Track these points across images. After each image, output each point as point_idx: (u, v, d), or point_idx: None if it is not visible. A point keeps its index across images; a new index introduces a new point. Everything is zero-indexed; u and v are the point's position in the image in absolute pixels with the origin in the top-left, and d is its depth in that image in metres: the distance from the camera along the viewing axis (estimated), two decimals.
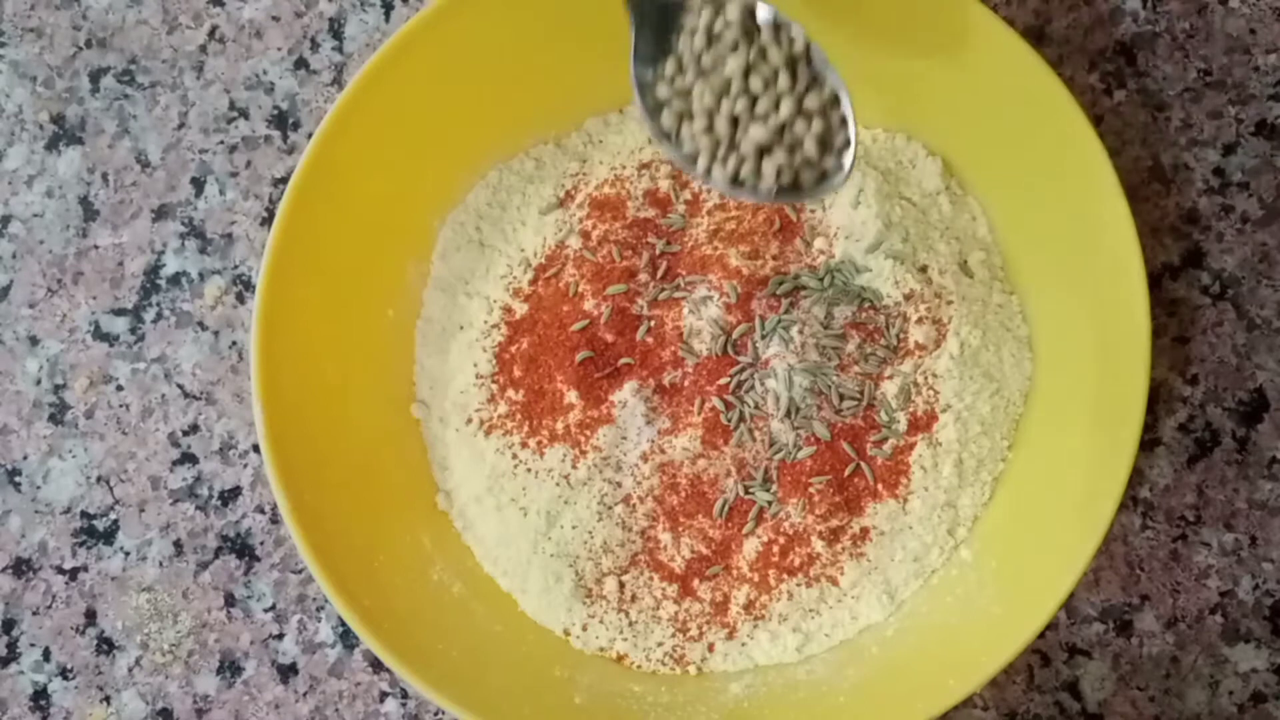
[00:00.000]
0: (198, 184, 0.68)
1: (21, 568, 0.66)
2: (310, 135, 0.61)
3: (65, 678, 0.65)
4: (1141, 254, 0.56)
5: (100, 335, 0.67)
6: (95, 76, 0.69)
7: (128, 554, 0.66)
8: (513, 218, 0.65)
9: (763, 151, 0.52)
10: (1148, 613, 0.63)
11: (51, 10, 0.70)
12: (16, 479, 0.67)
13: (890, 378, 0.60)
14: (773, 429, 0.60)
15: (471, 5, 0.60)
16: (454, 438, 0.63)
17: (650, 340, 0.61)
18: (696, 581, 0.61)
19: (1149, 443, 0.64)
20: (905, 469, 0.60)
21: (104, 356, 0.67)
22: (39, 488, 0.67)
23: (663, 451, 0.61)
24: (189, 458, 0.66)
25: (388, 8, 0.69)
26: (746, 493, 0.60)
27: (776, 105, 0.52)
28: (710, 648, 0.61)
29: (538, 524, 0.61)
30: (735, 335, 0.61)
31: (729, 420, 0.60)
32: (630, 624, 0.61)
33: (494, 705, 0.57)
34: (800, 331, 0.60)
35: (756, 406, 0.60)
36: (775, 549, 0.60)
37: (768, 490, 0.60)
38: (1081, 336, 0.59)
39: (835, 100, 0.53)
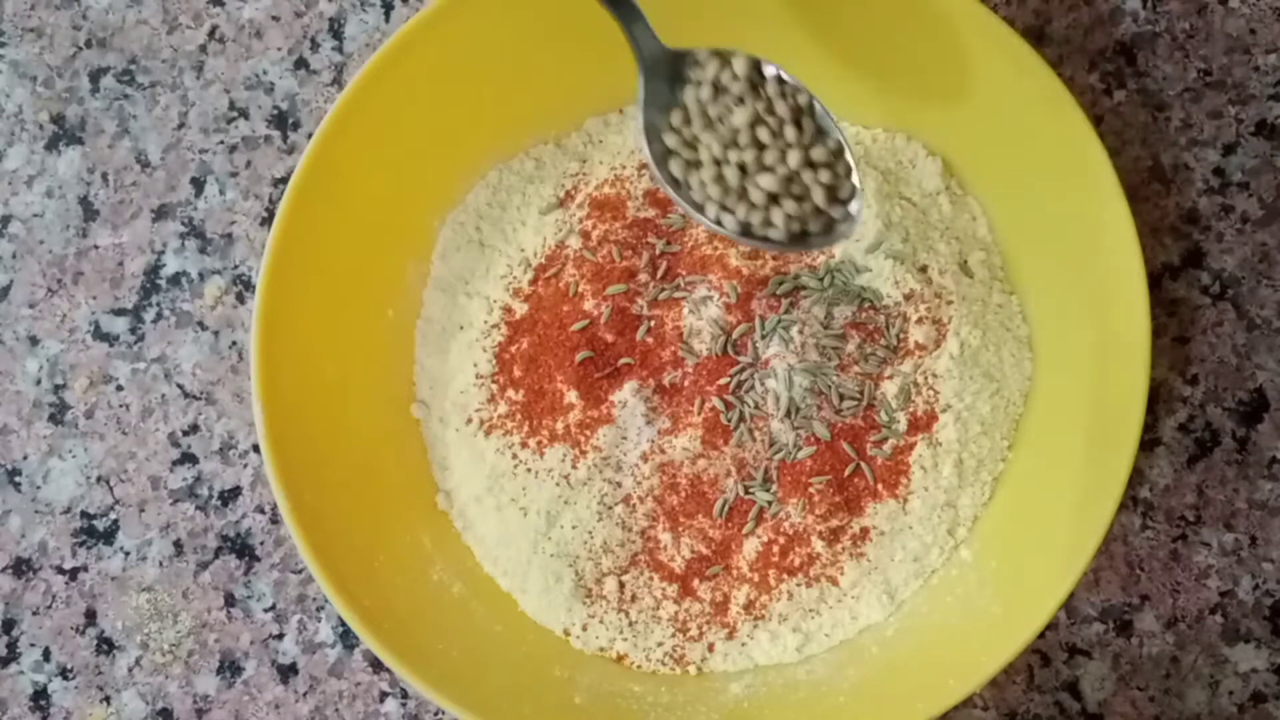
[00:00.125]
0: (198, 184, 0.68)
1: (21, 568, 0.66)
2: (310, 135, 0.61)
3: (65, 678, 0.65)
4: (1141, 254, 0.56)
5: (100, 335, 0.67)
6: (95, 76, 0.69)
7: (128, 554, 0.66)
8: (513, 218, 0.65)
9: (771, 201, 0.53)
10: (1148, 613, 0.63)
11: (51, 10, 0.70)
12: (16, 479, 0.67)
13: (890, 378, 0.60)
14: (773, 429, 0.60)
15: (471, 5, 0.60)
16: (454, 438, 0.63)
17: (650, 340, 0.61)
18: (696, 581, 0.61)
19: (1149, 443, 0.64)
20: (905, 469, 0.60)
21: (104, 356, 0.67)
22: (39, 488, 0.67)
23: (663, 451, 0.61)
24: (189, 458, 0.66)
25: (388, 8, 0.69)
26: (746, 493, 0.60)
27: (783, 156, 0.53)
28: (710, 648, 0.61)
29: (538, 524, 0.61)
30: (735, 335, 0.61)
31: (729, 420, 0.60)
32: (630, 624, 0.61)
33: (494, 705, 0.57)
34: (800, 331, 0.60)
35: (756, 406, 0.60)
36: (775, 549, 0.60)
37: (768, 490, 0.60)
38: (1081, 336, 0.59)
39: (838, 153, 0.54)
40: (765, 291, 0.61)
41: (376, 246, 0.62)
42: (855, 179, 0.54)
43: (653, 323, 0.62)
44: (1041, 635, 0.59)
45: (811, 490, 0.60)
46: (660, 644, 0.61)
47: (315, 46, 0.69)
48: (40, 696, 0.65)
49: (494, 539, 0.62)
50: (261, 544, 0.66)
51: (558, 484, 0.61)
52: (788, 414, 0.60)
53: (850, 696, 0.58)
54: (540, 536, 0.61)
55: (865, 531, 0.60)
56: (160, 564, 0.66)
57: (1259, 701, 0.62)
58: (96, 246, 0.68)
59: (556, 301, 0.62)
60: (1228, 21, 0.66)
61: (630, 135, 0.65)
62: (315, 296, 0.60)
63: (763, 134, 0.53)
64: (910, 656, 0.59)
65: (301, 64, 0.69)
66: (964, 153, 0.63)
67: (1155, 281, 0.65)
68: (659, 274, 0.62)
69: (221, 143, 0.68)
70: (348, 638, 0.65)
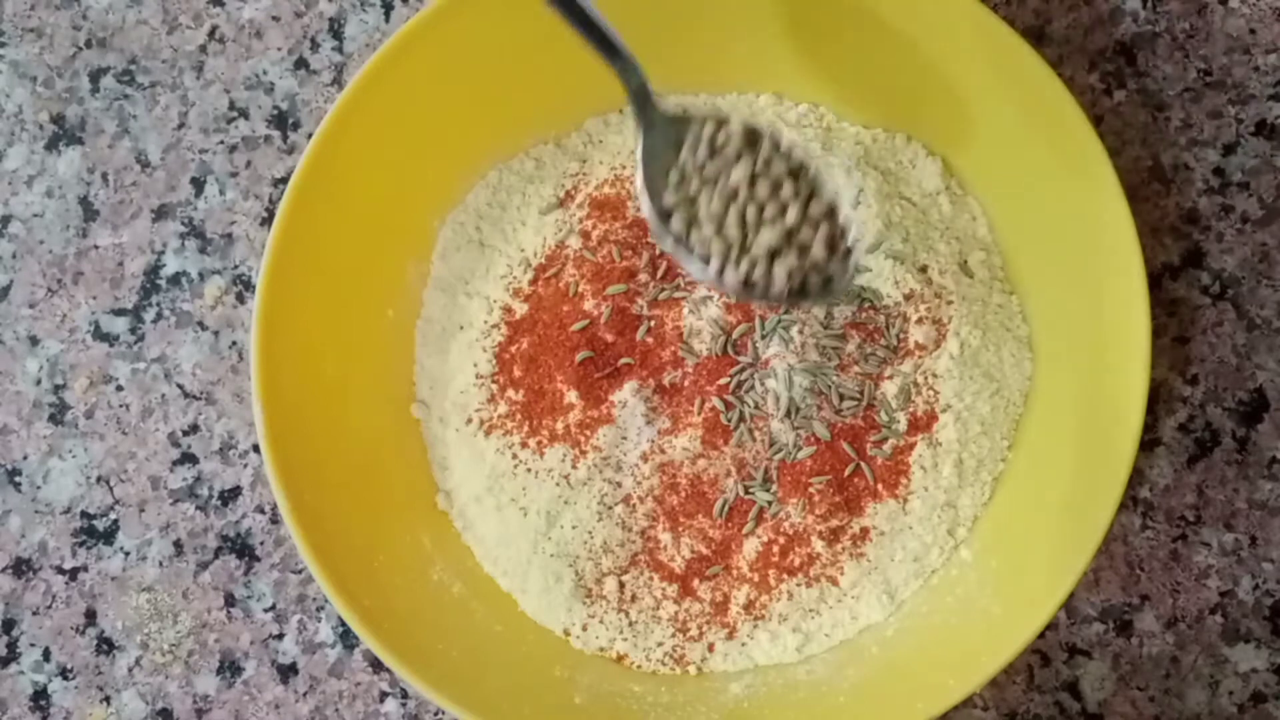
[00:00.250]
0: (198, 184, 0.68)
1: (21, 568, 0.66)
2: (310, 135, 0.61)
3: (65, 678, 0.65)
4: (1141, 254, 0.56)
5: (100, 335, 0.67)
6: (95, 76, 0.69)
7: (128, 554, 0.66)
8: (513, 218, 0.65)
9: (773, 255, 0.54)
10: (1148, 613, 0.63)
11: (51, 10, 0.70)
12: (16, 479, 0.67)
13: (890, 378, 0.60)
14: (773, 429, 0.60)
15: (471, 5, 0.59)
16: (454, 438, 0.63)
17: (650, 340, 0.61)
18: (696, 581, 0.61)
19: (1149, 443, 0.64)
20: (905, 469, 0.60)
21: (104, 356, 0.67)
22: (39, 488, 0.67)
23: (663, 451, 0.61)
24: (189, 458, 0.66)
25: (388, 8, 0.69)
26: (746, 493, 0.60)
27: (783, 212, 0.54)
28: (710, 648, 0.61)
29: (538, 524, 0.61)
30: (735, 335, 0.61)
31: (729, 420, 0.60)
32: (630, 624, 0.61)
33: (494, 705, 0.57)
34: (800, 331, 0.60)
35: (756, 406, 0.60)
36: (775, 549, 0.60)
37: (768, 490, 0.60)
38: (1081, 336, 0.59)
39: (833, 210, 0.55)
40: None
41: (376, 246, 0.62)
42: (852, 235, 0.55)
43: (653, 323, 0.62)
44: (1041, 635, 0.59)
45: (811, 490, 0.60)
46: (660, 644, 0.61)
47: (315, 46, 0.69)
48: (40, 696, 0.65)
49: (494, 539, 0.62)
50: (261, 544, 0.66)
51: (558, 484, 0.61)
52: (788, 414, 0.60)
53: (850, 696, 0.58)
54: (540, 536, 0.61)
55: (865, 531, 0.60)
56: (160, 564, 0.66)
57: (1259, 701, 0.62)
58: (96, 246, 0.68)
59: (556, 301, 0.62)
60: (1228, 21, 0.66)
61: (630, 136, 0.65)
62: (315, 296, 0.60)
63: (761, 190, 0.54)
64: (910, 656, 0.59)
65: (301, 64, 0.69)
66: (964, 153, 0.63)
67: (1155, 281, 0.65)
68: (659, 274, 0.62)
69: (221, 143, 0.68)
70: (348, 638, 0.65)
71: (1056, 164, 0.59)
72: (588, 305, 0.62)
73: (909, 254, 0.61)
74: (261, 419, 0.57)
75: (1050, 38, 0.66)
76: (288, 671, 0.65)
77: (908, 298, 0.61)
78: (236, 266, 0.68)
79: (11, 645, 0.66)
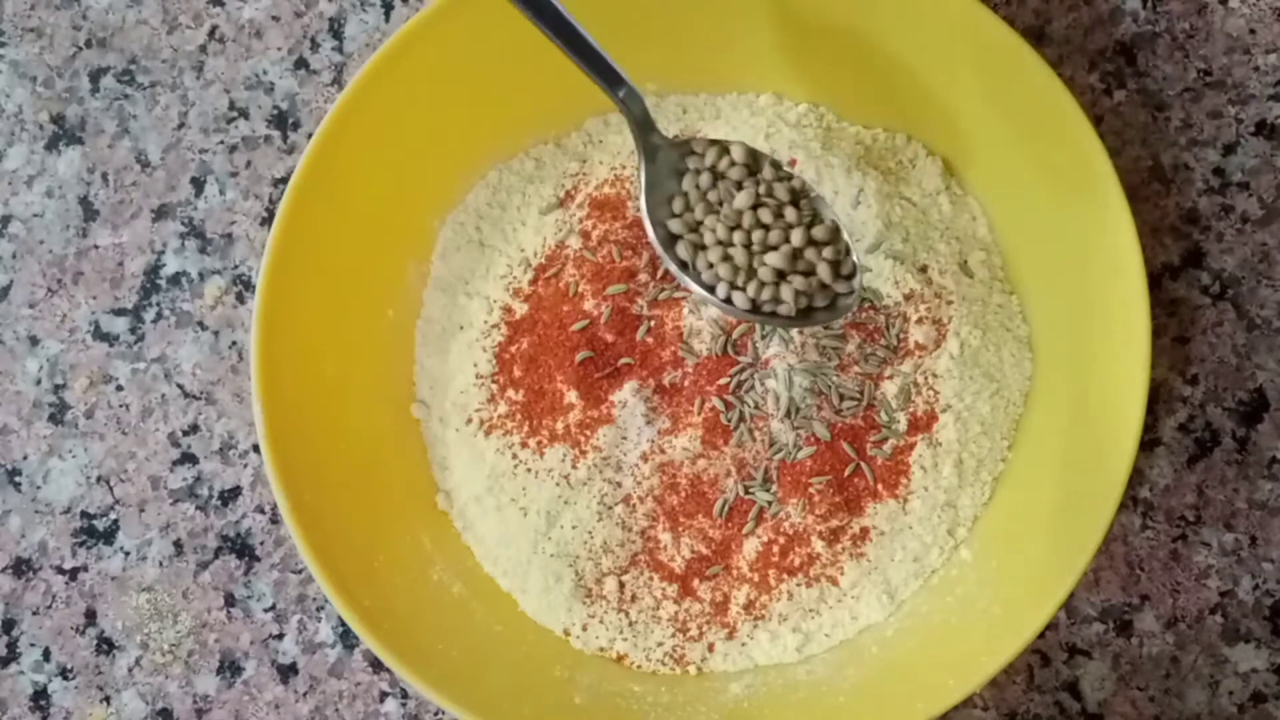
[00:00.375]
0: (198, 184, 0.68)
1: (21, 568, 0.66)
2: (310, 135, 0.61)
3: (65, 678, 0.65)
4: (1141, 254, 0.56)
5: (100, 335, 0.67)
6: (95, 76, 0.69)
7: (128, 554, 0.66)
8: (513, 218, 0.65)
9: (779, 278, 0.55)
10: (1148, 613, 0.63)
11: (51, 10, 0.70)
12: (16, 479, 0.67)
13: (890, 378, 0.60)
14: (773, 429, 0.60)
15: (471, 5, 0.59)
16: (454, 438, 0.63)
17: (650, 340, 0.61)
18: (696, 581, 0.61)
19: (1149, 443, 0.64)
20: (905, 469, 0.60)
21: (104, 356, 0.67)
22: (39, 488, 0.67)
23: (663, 451, 0.61)
24: (189, 458, 0.66)
25: (388, 8, 0.69)
26: (746, 493, 0.60)
27: (787, 235, 0.56)
28: (710, 648, 0.61)
29: (538, 524, 0.61)
30: (735, 335, 0.61)
31: (729, 420, 0.60)
32: (630, 624, 0.61)
33: (494, 705, 0.57)
34: (800, 331, 0.60)
35: (756, 406, 0.60)
36: (775, 549, 0.60)
37: (768, 490, 0.60)
38: (1081, 336, 0.59)
39: (837, 232, 0.56)
40: None
41: (376, 246, 0.62)
42: (855, 257, 0.56)
43: (653, 323, 0.62)
44: (1041, 635, 0.59)
45: (811, 490, 0.60)
46: (660, 644, 0.61)
47: (315, 46, 0.69)
48: (40, 696, 0.65)
49: (494, 539, 0.62)
50: (261, 544, 0.66)
51: (558, 484, 0.61)
52: (788, 414, 0.60)
53: (850, 696, 0.58)
54: (540, 536, 0.61)
55: (865, 531, 0.60)
56: (160, 564, 0.66)
57: (1259, 701, 0.62)
58: (96, 246, 0.68)
59: (556, 301, 0.62)
60: (1228, 21, 0.66)
61: (630, 135, 0.65)
62: (315, 296, 0.60)
63: (764, 215, 0.56)
64: (910, 656, 0.59)
65: (301, 64, 0.69)
66: (964, 153, 0.63)
67: (1155, 281, 0.65)
68: (659, 274, 0.62)
69: (221, 143, 0.68)
70: (348, 638, 0.65)
71: (1056, 164, 0.59)
72: (588, 305, 0.62)
73: (909, 254, 0.61)
74: (261, 419, 0.57)
75: (1050, 38, 0.66)
76: (288, 671, 0.65)
77: (908, 298, 0.61)
78: (236, 266, 0.68)
79: (11, 645, 0.66)
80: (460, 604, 0.61)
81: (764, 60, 0.63)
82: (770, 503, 0.60)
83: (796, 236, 0.55)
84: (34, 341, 0.68)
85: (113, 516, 0.66)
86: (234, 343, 0.67)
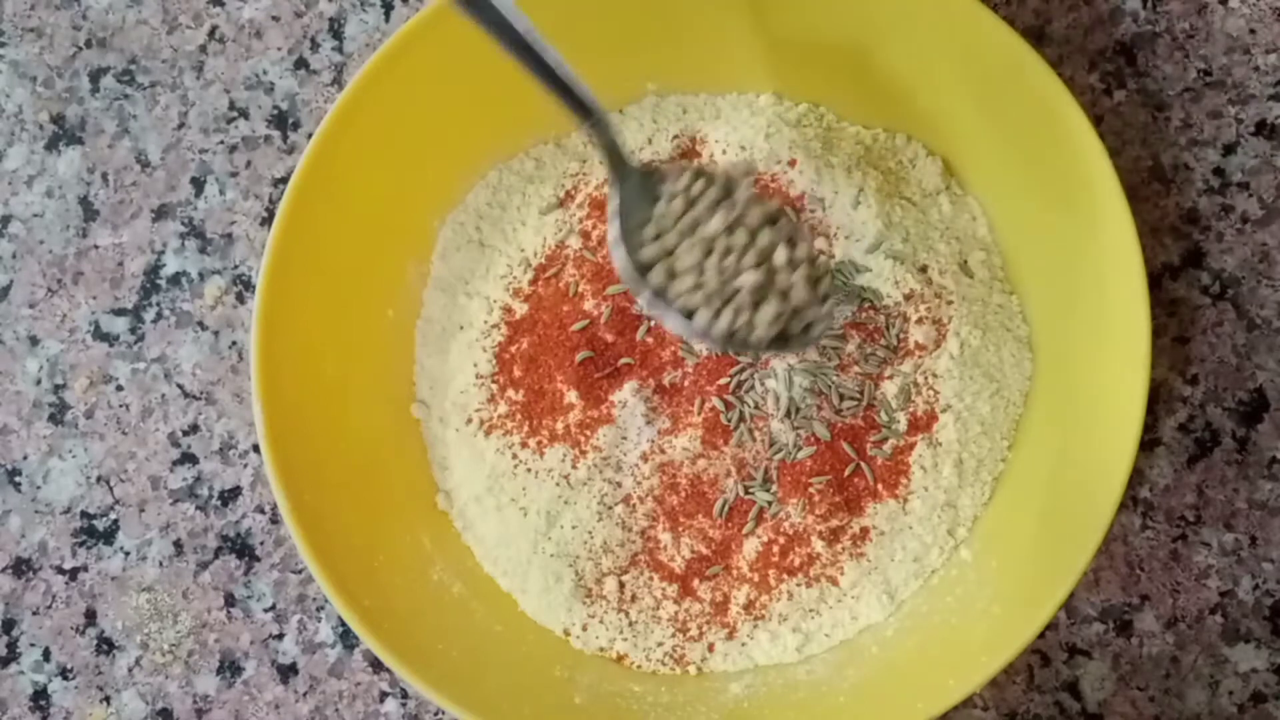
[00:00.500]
0: (198, 184, 0.68)
1: (21, 568, 0.66)
2: (310, 135, 0.61)
3: (65, 678, 0.65)
4: (1141, 254, 0.56)
5: (100, 335, 0.67)
6: (95, 76, 0.69)
7: (128, 554, 0.66)
8: (513, 218, 0.65)
9: (755, 301, 0.54)
10: (1148, 613, 0.63)
11: (51, 10, 0.70)
12: (16, 479, 0.67)
13: (890, 378, 0.60)
14: (773, 429, 0.60)
15: None
16: (454, 438, 0.63)
17: (650, 340, 0.61)
18: (696, 581, 0.61)
19: (1149, 443, 0.64)
20: (905, 469, 0.60)
21: (104, 356, 0.67)
22: (39, 488, 0.67)
23: (663, 451, 0.61)
24: (189, 458, 0.66)
25: (388, 8, 0.69)
26: (746, 493, 0.60)
27: (762, 258, 0.54)
28: (710, 648, 0.61)
29: (538, 524, 0.61)
30: None
31: (729, 420, 0.60)
32: (630, 624, 0.61)
33: (494, 705, 0.57)
34: None
35: (756, 406, 0.60)
36: (775, 549, 0.60)
37: (768, 490, 0.60)
38: (1081, 336, 0.59)
39: (811, 256, 0.55)
40: None
41: (376, 246, 0.62)
42: (827, 281, 0.55)
43: (653, 322, 0.62)
44: (1041, 635, 0.59)
45: (811, 490, 0.60)
46: (660, 644, 0.61)
47: (315, 46, 0.69)
48: (40, 696, 0.65)
49: (494, 539, 0.62)
50: (261, 544, 0.66)
51: (558, 484, 0.61)
52: (788, 414, 0.60)
53: (850, 696, 0.58)
54: (540, 536, 0.61)
55: (865, 531, 0.60)
56: (160, 564, 0.66)
57: (1259, 701, 0.62)
58: (96, 246, 0.68)
59: (556, 301, 0.62)
60: (1228, 21, 0.66)
61: (630, 136, 0.65)
62: (315, 296, 0.60)
63: (739, 238, 0.54)
64: (910, 656, 0.59)
65: (301, 64, 0.69)
66: (964, 153, 0.63)
67: (1155, 281, 0.65)
68: None
69: (221, 143, 0.68)
70: (348, 638, 0.65)
71: (1056, 164, 0.59)
72: (588, 305, 0.62)
73: (909, 254, 0.61)
74: (261, 419, 0.57)
75: (1050, 38, 0.66)
76: (288, 671, 0.65)
77: (908, 298, 0.61)
78: (236, 266, 0.68)
79: (11, 645, 0.66)
80: (460, 604, 0.61)
81: (764, 60, 0.63)
82: (770, 503, 0.60)
83: (780, 255, 0.54)
84: (34, 341, 0.68)
85: (113, 516, 0.66)
86: (234, 343, 0.67)
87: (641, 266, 0.54)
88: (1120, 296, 0.57)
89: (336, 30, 0.69)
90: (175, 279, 0.68)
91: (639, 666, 0.61)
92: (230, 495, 0.66)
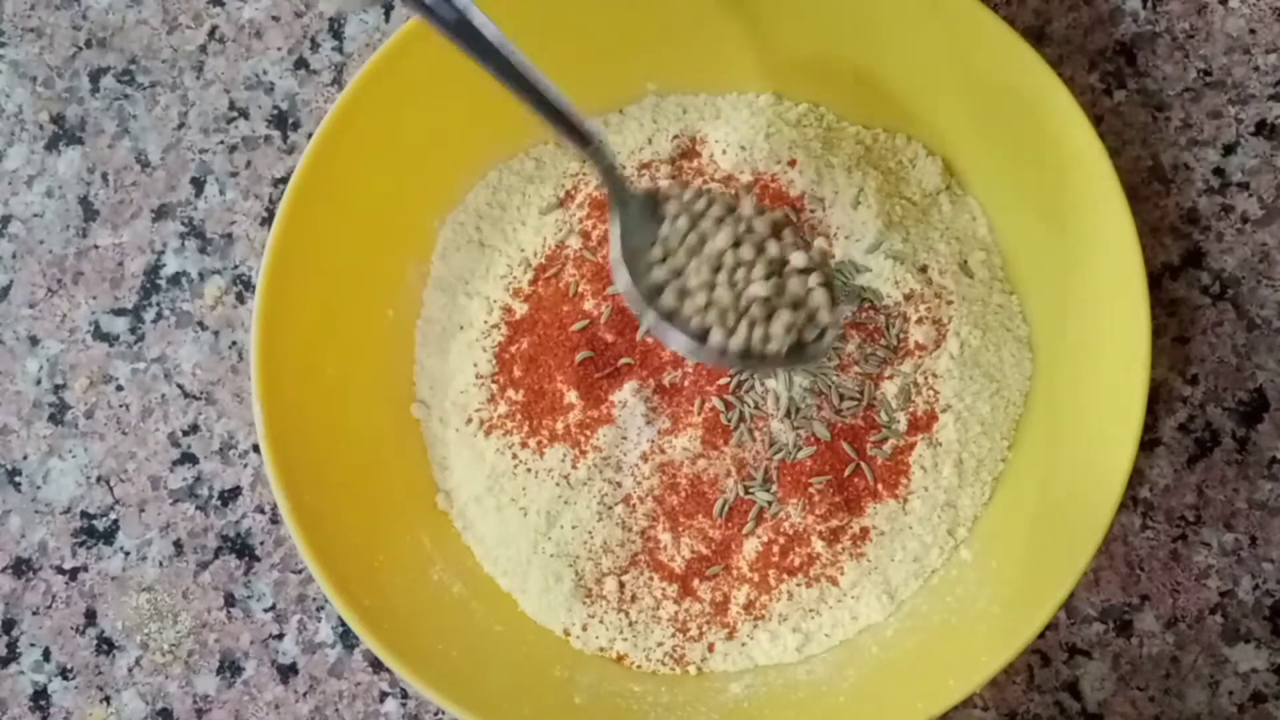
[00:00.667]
0: (198, 184, 0.68)
1: (21, 568, 0.66)
2: (310, 135, 0.61)
3: (65, 678, 0.65)
4: (1141, 254, 0.56)
5: (100, 335, 0.67)
6: (95, 76, 0.69)
7: (128, 554, 0.66)
8: (513, 218, 0.65)
9: (768, 313, 0.53)
10: (1148, 613, 0.63)
11: (51, 10, 0.70)
12: (16, 479, 0.67)
13: (890, 378, 0.60)
14: (773, 429, 0.60)
15: None
16: (454, 438, 0.63)
17: (650, 340, 0.61)
18: (696, 581, 0.61)
19: (1149, 443, 0.64)
20: (905, 469, 0.60)
21: (104, 356, 0.67)
22: (39, 488, 0.67)
23: (663, 451, 0.61)
24: (189, 458, 0.66)
25: (388, 8, 0.69)
26: (746, 493, 0.60)
27: (773, 269, 0.53)
28: (710, 648, 0.61)
29: (538, 524, 0.61)
30: None
31: (729, 420, 0.60)
32: (630, 624, 0.61)
33: (494, 705, 0.57)
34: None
35: (756, 406, 0.60)
36: (775, 549, 0.60)
37: (768, 490, 0.60)
38: (1081, 336, 0.59)
39: (822, 257, 0.55)
40: None
41: (376, 246, 0.62)
42: (834, 289, 0.54)
43: None
44: (1041, 635, 0.59)
45: (811, 490, 0.60)
46: (660, 644, 0.61)
47: (315, 46, 0.69)
48: (40, 696, 0.65)
49: (494, 539, 0.62)
50: (261, 544, 0.66)
51: (558, 484, 0.61)
52: (788, 414, 0.60)
53: (850, 696, 0.58)
54: (540, 536, 0.61)
55: (865, 531, 0.60)
56: (160, 564, 0.66)
57: (1259, 701, 0.62)
58: (96, 246, 0.68)
59: (556, 301, 0.62)
60: (1228, 21, 0.66)
61: (630, 136, 0.65)
62: (315, 296, 0.60)
63: (746, 251, 0.53)
64: (910, 656, 0.59)
65: (301, 64, 0.69)
66: (964, 153, 0.63)
67: (1155, 281, 0.65)
68: None
69: (221, 143, 0.68)
70: (348, 638, 0.65)
71: (1056, 164, 0.59)
72: (588, 305, 0.62)
73: (909, 254, 0.61)
74: (261, 419, 0.57)
75: (1050, 38, 0.66)
76: (288, 671, 0.65)
77: (908, 298, 0.61)
78: (236, 266, 0.68)
79: (11, 645, 0.66)
80: (460, 604, 0.61)
81: (764, 60, 0.63)
82: (770, 503, 0.60)
83: (790, 263, 0.53)
84: (34, 341, 0.68)
85: (113, 516, 0.66)
86: (234, 343, 0.67)
87: (652, 290, 0.54)
88: (1120, 296, 0.57)
89: (336, 30, 0.69)
90: (175, 279, 0.68)
91: (639, 666, 0.61)
92: (230, 495, 0.66)
